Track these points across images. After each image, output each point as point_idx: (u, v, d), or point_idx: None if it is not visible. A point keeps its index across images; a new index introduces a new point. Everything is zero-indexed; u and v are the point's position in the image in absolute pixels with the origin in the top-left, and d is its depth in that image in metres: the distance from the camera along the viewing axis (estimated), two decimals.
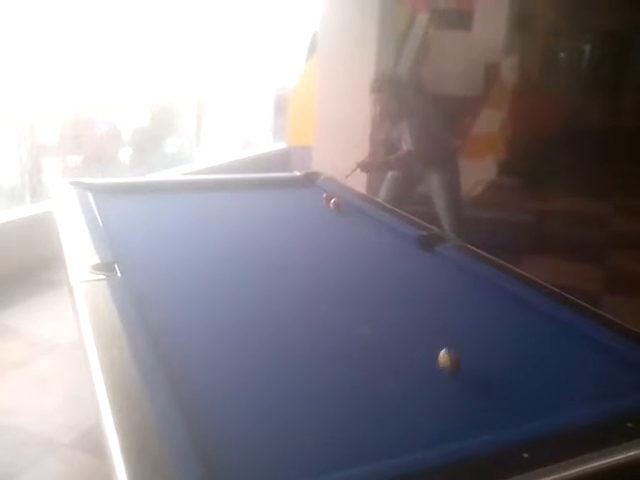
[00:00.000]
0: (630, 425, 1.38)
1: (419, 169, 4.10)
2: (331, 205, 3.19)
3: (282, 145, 6.79)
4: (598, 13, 8.13)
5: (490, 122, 6.04)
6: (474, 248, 2.56)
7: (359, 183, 3.95)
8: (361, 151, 4.10)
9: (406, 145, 3.90)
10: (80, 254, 2.20)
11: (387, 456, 1.27)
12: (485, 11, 6.41)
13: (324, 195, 3.28)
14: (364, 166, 3.73)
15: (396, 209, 3.15)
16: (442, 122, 4.16)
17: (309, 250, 2.65)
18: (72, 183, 3.09)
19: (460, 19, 6.38)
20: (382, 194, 4.20)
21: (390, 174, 4.24)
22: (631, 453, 1.30)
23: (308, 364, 1.71)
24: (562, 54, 9.36)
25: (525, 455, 1.25)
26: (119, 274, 2.05)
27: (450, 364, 1.62)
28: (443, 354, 1.64)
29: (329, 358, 1.74)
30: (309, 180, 3.60)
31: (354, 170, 3.70)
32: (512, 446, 1.28)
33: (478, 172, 5.83)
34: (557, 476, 1.22)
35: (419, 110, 4.04)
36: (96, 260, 2.12)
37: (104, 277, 2.00)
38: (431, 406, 1.54)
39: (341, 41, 4.95)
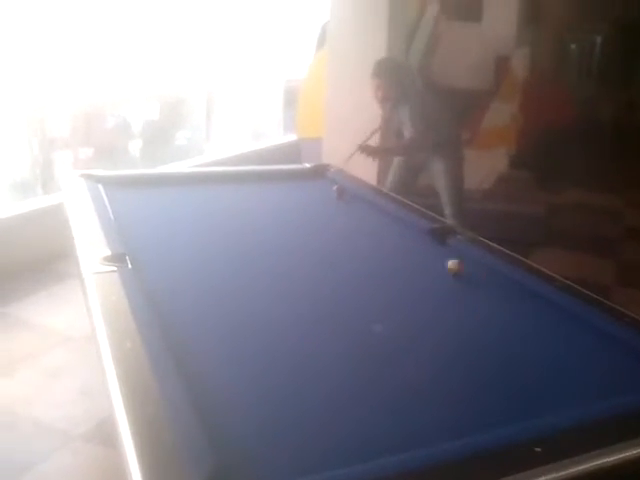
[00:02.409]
0: None
1: (422, 156, 4.09)
2: (334, 192, 3.20)
3: (292, 137, 6.78)
4: (610, 3, 8.04)
5: (501, 115, 6.00)
6: (486, 241, 2.55)
7: (369, 174, 3.93)
8: (371, 143, 4.08)
9: (408, 132, 3.89)
10: (91, 246, 2.21)
11: (398, 450, 1.27)
12: (495, 2, 6.35)
13: (334, 187, 3.28)
14: (364, 149, 3.68)
15: (407, 201, 3.14)
16: (444, 110, 4.14)
17: (319, 243, 2.64)
18: (83, 175, 3.10)
19: (470, 10, 6.32)
20: (389, 181, 4.20)
21: (396, 161, 4.22)
22: None
23: (320, 359, 1.71)
24: (573, 46, 9.27)
25: (537, 449, 1.25)
26: (130, 266, 2.06)
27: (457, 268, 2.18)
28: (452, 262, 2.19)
29: (340, 354, 1.74)
30: (319, 172, 3.60)
31: (353, 154, 3.64)
32: (524, 440, 1.27)
33: (489, 164, 5.79)
34: (570, 471, 1.21)
35: (419, 97, 4.02)
36: (107, 252, 2.13)
37: (115, 269, 2.01)
38: (444, 400, 1.53)
39: (351, 32, 4.93)
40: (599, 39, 9.58)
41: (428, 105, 4.01)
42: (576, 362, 1.75)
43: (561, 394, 1.56)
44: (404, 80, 3.96)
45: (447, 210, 3.97)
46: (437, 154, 4.03)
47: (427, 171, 4.19)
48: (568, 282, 2.14)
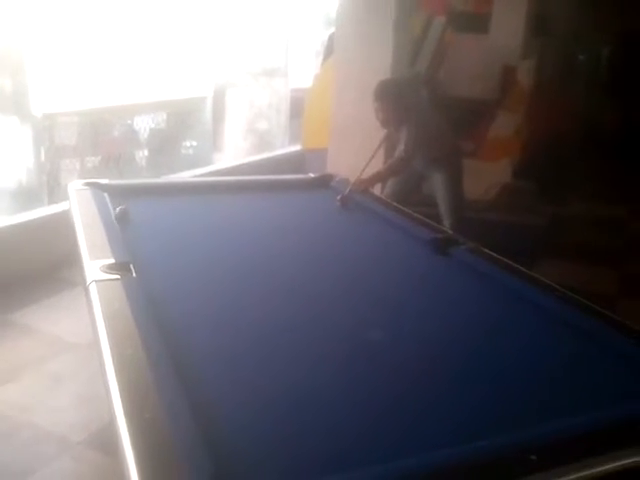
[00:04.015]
0: None
1: (420, 168, 4.09)
2: (337, 201, 3.21)
3: (297, 147, 6.81)
4: (618, 14, 8.05)
5: (506, 125, 6.02)
6: (488, 251, 2.55)
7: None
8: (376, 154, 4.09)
9: (398, 151, 3.87)
10: (96, 254, 2.22)
11: (392, 457, 1.28)
12: (502, 14, 6.37)
13: (338, 197, 3.30)
14: (357, 185, 3.49)
15: (410, 211, 3.15)
16: (445, 122, 4.14)
17: (322, 252, 2.66)
18: (89, 184, 3.12)
19: (477, 22, 6.34)
20: (389, 190, 4.20)
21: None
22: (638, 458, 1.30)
23: (319, 366, 1.72)
24: (581, 57, 9.27)
25: (533, 457, 1.25)
26: (134, 274, 2.07)
27: None
28: None
29: (338, 361, 1.75)
30: (324, 182, 3.62)
31: (349, 189, 3.46)
32: (520, 448, 1.28)
33: (493, 175, 5.80)
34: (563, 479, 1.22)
35: (420, 111, 4.01)
36: (111, 260, 2.14)
37: (119, 277, 2.02)
38: (441, 408, 1.54)
39: (357, 44, 4.95)
40: (607, 50, 9.60)
41: (430, 120, 4.01)
42: (576, 373, 1.75)
43: (559, 403, 1.57)
44: (406, 102, 3.92)
45: (446, 221, 3.97)
46: (436, 166, 4.04)
47: (428, 181, 4.20)
48: (570, 293, 2.15)
